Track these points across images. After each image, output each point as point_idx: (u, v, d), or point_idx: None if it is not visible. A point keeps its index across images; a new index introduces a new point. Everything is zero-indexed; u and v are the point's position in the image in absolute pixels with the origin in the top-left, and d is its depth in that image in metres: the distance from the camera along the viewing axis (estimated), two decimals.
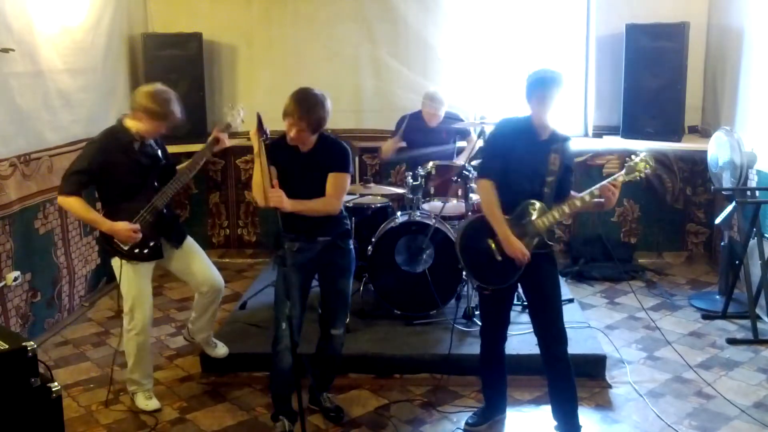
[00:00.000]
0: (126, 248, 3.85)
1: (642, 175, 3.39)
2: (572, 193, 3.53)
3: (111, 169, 3.79)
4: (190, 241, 4.14)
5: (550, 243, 3.50)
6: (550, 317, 3.50)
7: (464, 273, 4.78)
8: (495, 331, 3.70)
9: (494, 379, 3.81)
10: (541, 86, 3.36)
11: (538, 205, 3.42)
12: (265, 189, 3.42)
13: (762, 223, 5.04)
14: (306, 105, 3.45)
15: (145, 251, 3.89)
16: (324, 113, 3.50)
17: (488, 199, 3.47)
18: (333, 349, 3.88)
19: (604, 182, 3.37)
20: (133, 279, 3.90)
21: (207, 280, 4.12)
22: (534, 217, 3.42)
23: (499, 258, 3.45)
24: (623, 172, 3.41)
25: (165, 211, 3.94)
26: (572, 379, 3.53)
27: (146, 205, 3.85)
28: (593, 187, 3.39)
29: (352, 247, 3.83)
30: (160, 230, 3.94)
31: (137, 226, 3.79)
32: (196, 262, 4.12)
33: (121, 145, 3.81)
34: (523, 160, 3.43)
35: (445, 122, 5.56)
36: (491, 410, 3.84)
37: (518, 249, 3.38)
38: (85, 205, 3.79)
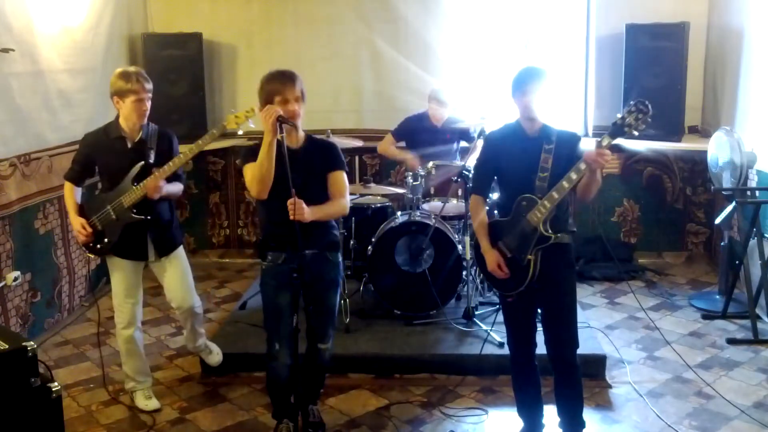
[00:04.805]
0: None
1: (635, 131, 3.23)
2: None
3: (96, 162, 3.85)
4: (177, 254, 3.98)
5: (551, 234, 3.27)
6: (560, 318, 3.40)
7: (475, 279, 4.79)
8: (524, 339, 3.51)
9: (532, 394, 3.59)
10: (522, 81, 3.33)
11: (529, 199, 3.29)
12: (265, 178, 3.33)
13: (762, 223, 5.04)
14: (289, 73, 3.42)
15: (98, 246, 3.86)
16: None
17: (474, 213, 3.52)
18: (320, 361, 3.71)
19: (586, 152, 3.19)
20: (114, 273, 3.92)
21: (175, 298, 4.01)
22: (526, 212, 3.29)
23: (509, 256, 3.38)
24: (607, 133, 3.23)
25: (135, 211, 3.77)
26: (579, 382, 3.47)
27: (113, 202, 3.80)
28: (577, 163, 3.19)
29: (340, 259, 3.64)
30: (130, 231, 3.81)
31: (89, 230, 3.80)
32: (169, 278, 3.98)
33: (109, 140, 3.81)
34: (514, 161, 3.38)
35: (449, 123, 5.58)
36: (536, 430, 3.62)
37: (492, 262, 3.38)
38: (71, 192, 3.88)
